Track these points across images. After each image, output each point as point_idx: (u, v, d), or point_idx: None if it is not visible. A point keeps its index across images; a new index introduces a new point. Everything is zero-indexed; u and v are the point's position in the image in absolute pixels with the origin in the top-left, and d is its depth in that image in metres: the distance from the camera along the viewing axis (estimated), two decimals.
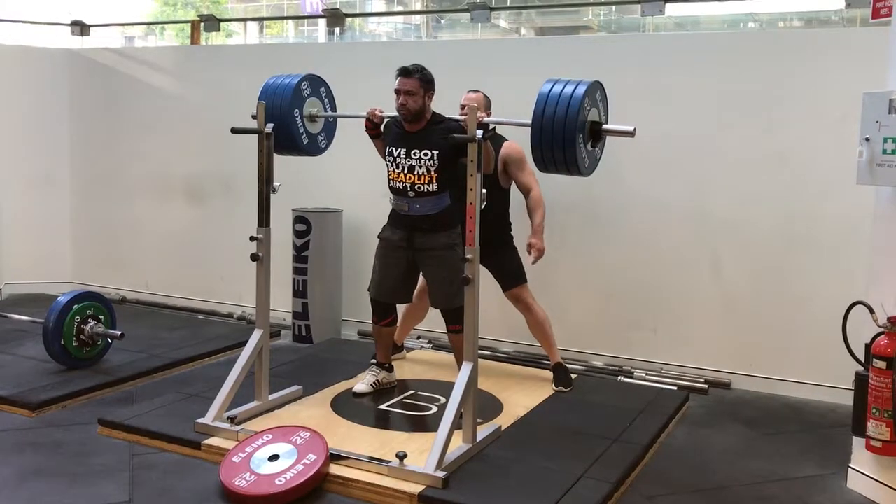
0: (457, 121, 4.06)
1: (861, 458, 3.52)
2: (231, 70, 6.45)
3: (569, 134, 3.36)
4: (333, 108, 4.45)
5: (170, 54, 7.18)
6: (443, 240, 4.17)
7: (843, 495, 3.52)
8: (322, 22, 7.66)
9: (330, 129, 4.48)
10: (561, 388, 4.65)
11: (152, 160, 6.80)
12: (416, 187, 4.15)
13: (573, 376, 4.79)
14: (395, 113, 4.17)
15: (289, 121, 4.15)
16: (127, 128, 6.88)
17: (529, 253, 4.44)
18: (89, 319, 4.86)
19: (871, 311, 3.34)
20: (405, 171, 4.16)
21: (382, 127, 4.28)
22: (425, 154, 4.10)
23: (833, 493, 3.54)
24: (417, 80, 4.07)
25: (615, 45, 5.62)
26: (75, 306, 4.82)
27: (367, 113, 4.21)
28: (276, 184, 4.10)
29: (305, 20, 19.07)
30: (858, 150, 3.37)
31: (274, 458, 3.48)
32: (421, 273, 4.37)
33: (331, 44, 7.68)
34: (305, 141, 4.29)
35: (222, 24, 7.28)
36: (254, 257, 4.10)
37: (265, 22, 20.08)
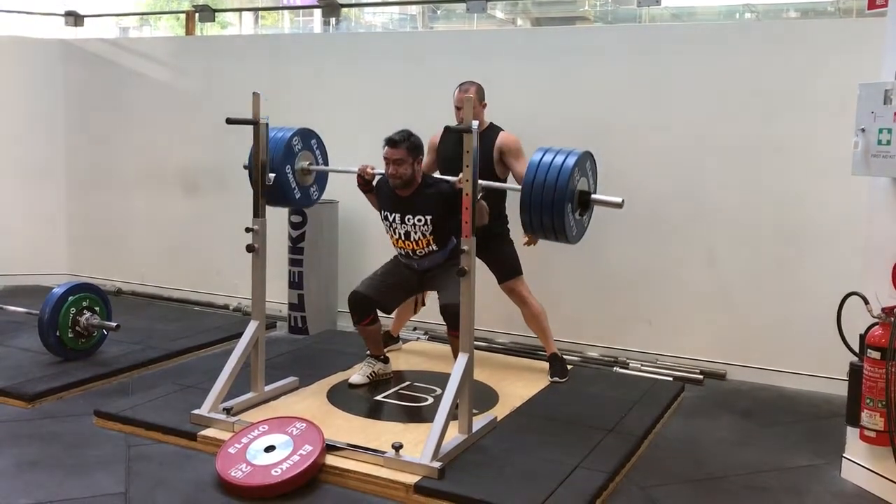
0: (447, 183, 4.17)
1: (855, 448, 3.53)
2: (226, 61, 6.44)
3: (558, 202, 3.46)
4: (325, 159, 4.52)
5: (165, 45, 7.15)
6: (449, 265, 4.24)
7: (837, 485, 3.54)
8: (317, 12, 7.64)
9: (322, 180, 4.57)
10: (557, 379, 4.66)
11: (148, 151, 6.78)
12: (417, 252, 4.30)
13: (569, 367, 4.80)
14: (383, 171, 4.24)
15: (281, 178, 4.20)
16: (122, 119, 6.86)
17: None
18: (85, 311, 4.86)
19: (866, 301, 3.35)
20: (402, 238, 4.29)
21: (374, 183, 4.37)
22: (419, 220, 4.22)
23: (827, 482, 3.56)
24: (405, 150, 4.15)
25: (611, 36, 5.61)
26: (71, 298, 4.81)
27: (359, 170, 4.31)
28: (271, 175, 4.10)
29: (301, 10, 19.00)
30: (854, 141, 3.37)
31: (270, 449, 3.48)
32: (423, 289, 4.56)
33: (326, 34, 7.67)
34: (298, 195, 4.37)
35: (217, 14, 7.26)
36: (249, 248, 4.10)
37: (260, 12, 19.99)
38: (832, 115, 4.50)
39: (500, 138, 4.59)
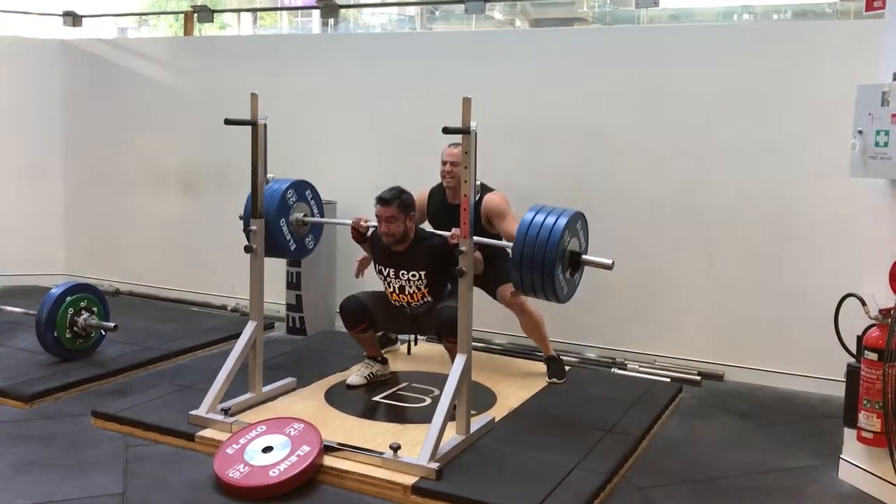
0: (441, 237, 4.20)
1: (852, 449, 3.53)
2: (225, 61, 6.43)
3: (548, 263, 3.49)
4: (320, 208, 4.56)
5: (163, 45, 7.15)
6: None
7: (834, 486, 3.54)
8: (316, 13, 7.63)
9: (317, 230, 4.59)
10: (555, 380, 4.66)
11: (146, 152, 6.78)
12: (411, 305, 4.36)
13: (566, 368, 4.80)
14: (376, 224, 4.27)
15: (275, 230, 4.23)
16: (120, 119, 6.85)
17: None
18: (83, 311, 4.86)
19: (863, 303, 3.35)
20: (397, 291, 4.35)
21: (369, 235, 4.41)
22: (413, 276, 4.27)
23: (824, 483, 3.56)
24: (396, 208, 4.19)
25: (609, 37, 5.61)
26: (68, 298, 4.81)
27: (353, 222, 4.37)
28: (269, 175, 4.11)
29: (299, 11, 18.99)
30: (851, 143, 3.38)
31: (268, 449, 3.48)
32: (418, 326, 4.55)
33: (325, 35, 7.65)
34: (293, 247, 4.41)
35: (216, 14, 7.25)
36: (247, 249, 4.10)
37: (259, 13, 19.98)
38: (830, 117, 4.50)
39: (485, 203, 4.52)
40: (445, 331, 4.10)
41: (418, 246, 4.29)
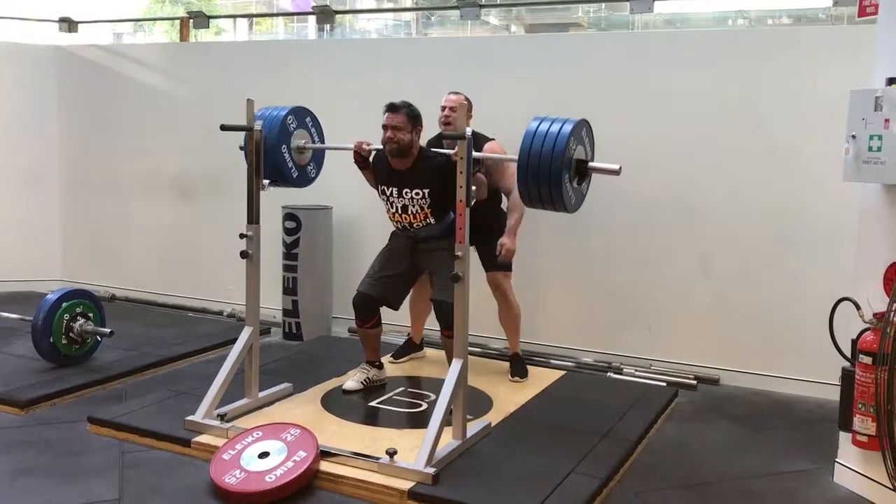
0: (445, 156, 4.11)
1: (847, 453, 3.55)
2: (220, 67, 6.45)
3: (555, 172, 3.40)
4: (321, 137, 4.48)
5: (159, 51, 7.16)
6: (445, 243, 4.19)
7: (829, 489, 3.55)
8: (312, 19, 7.64)
9: (319, 158, 4.52)
10: (517, 378, 4.69)
11: (141, 157, 6.78)
12: (414, 224, 4.26)
13: (562, 372, 4.82)
14: (380, 146, 4.20)
15: (277, 156, 4.17)
16: (116, 125, 6.86)
17: (498, 254, 4.46)
18: (78, 317, 4.85)
19: (858, 307, 3.37)
20: (399, 211, 4.25)
21: (371, 159, 4.33)
22: (416, 194, 4.18)
23: (820, 487, 3.57)
24: (405, 116, 4.12)
25: (605, 42, 5.64)
26: (64, 304, 4.80)
27: (354, 146, 4.27)
28: (265, 181, 4.10)
29: (295, 17, 19.01)
30: (845, 148, 3.39)
31: (264, 455, 3.48)
32: (420, 272, 4.43)
33: (320, 40, 7.67)
34: (295, 174, 4.33)
35: (211, 20, 7.26)
36: (243, 255, 4.10)
37: (254, 19, 20.01)
38: (824, 122, 4.52)
39: (487, 149, 4.52)
40: (444, 322, 4.10)
41: (422, 164, 4.19)
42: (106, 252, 7.02)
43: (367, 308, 4.42)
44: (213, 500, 3.32)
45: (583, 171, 3.57)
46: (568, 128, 3.43)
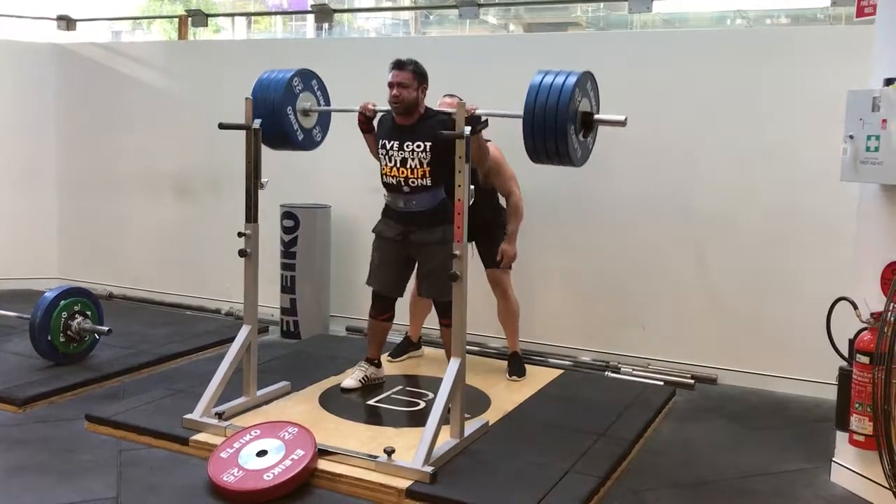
0: (449, 114, 4.03)
1: (844, 453, 3.55)
2: (219, 65, 6.44)
3: (560, 124, 3.35)
4: (327, 101, 4.43)
5: (157, 49, 7.15)
6: (437, 234, 4.19)
7: (826, 489, 3.56)
8: (310, 17, 7.65)
9: (324, 122, 4.46)
10: (515, 378, 4.69)
11: (139, 156, 6.77)
12: (410, 182, 4.17)
13: (560, 371, 4.82)
14: (387, 107, 4.18)
15: (282, 117, 4.12)
16: (114, 123, 6.85)
17: (499, 260, 4.46)
18: (76, 315, 4.85)
19: (855, 306, 3.37)
20: (398, 165, 4.18)
21: (375, 122, 4.29)
22: (418, 146, 4.13)
23: (817, 486, 3.58)
24: (411, 73, 4.10)
25: (603, 42, 5.64)
26: (62, 302, 4.80)
27: (360, 107, 4.23)
28: (263, 179, 4.09)
29: (294, 16, 19.00)
30: (842, 148, 3.39)
31: (262, 453, 3.48)
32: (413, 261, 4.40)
33: (319, 39, 7.67)
34: (300, 136, 4.27)
35: (210, 19, 7.26)
36: (242, 253, 4.09)
37: (253, 17, 19.99)
38: (822, 121, 4.52)
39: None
40: (443, 312, 4.09)
41: (426, 122, 4.16)
42: (104, 250, 7.01)
43: (383, 302, 4.44)
44: (211, 498, 3.32)
45: (588, 124, 3.53)
46: (572, 80, 3.40)
